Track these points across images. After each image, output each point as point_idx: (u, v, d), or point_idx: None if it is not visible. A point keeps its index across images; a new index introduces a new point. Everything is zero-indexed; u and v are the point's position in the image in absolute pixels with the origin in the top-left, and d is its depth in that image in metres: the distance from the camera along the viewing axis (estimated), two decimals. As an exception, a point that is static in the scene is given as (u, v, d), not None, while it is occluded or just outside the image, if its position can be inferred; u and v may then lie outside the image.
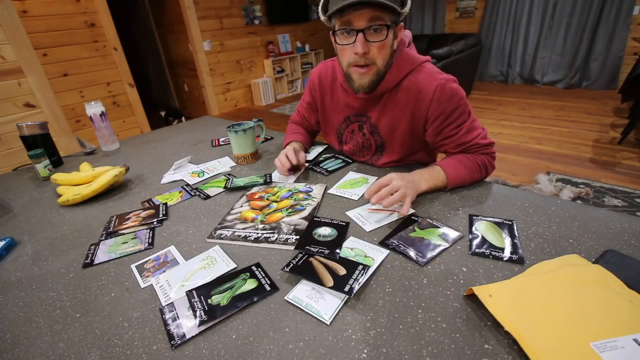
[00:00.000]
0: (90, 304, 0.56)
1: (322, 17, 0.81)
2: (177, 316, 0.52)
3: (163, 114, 4.54)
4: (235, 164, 1.07)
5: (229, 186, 0.91)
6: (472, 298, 0.50)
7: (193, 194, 0.90)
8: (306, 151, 1.09)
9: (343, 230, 0.68)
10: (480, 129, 0.84)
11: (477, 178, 0.83)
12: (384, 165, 0.95)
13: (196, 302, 0.53)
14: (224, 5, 4.47)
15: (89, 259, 0.68)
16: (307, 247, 0.63)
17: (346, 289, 0.52)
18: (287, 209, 0.77)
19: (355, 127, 0.96)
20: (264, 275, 0.58)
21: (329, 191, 0.85)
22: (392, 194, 0.70)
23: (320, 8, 0.80)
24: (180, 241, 0.71)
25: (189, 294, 0.55)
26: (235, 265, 0.62)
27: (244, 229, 0.72)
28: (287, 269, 0.58)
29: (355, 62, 0.78)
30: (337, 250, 0.61)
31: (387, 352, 0.44)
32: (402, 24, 0.80)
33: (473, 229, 0.66)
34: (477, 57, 4.17)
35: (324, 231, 0.68)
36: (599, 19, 3.97)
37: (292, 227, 0.70)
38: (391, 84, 0.84)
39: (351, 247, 0.63)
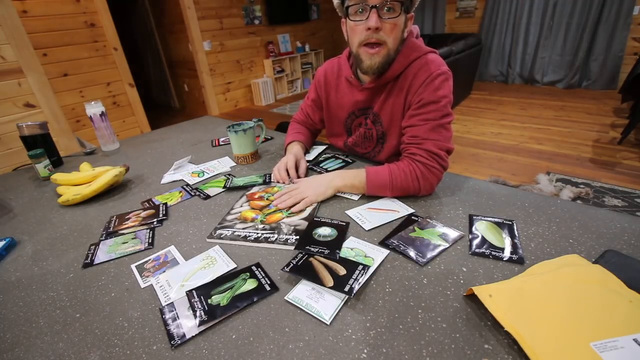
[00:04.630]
0: (90, 304, 0.56)
1: (335, 1, 0.82)
2: (177, 316, 0.52)
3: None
4: (235, 164, 1.07)
5: (228, 186, 0.91)
6: (472, 298, 0.50)
7: (193, 194, 0.90)
8: (307, 151, 1.09)
9: (343, 230, 0.68)
10: (442, 137, 0.79)
11: (406, 186, 0.76)
12: (384, 160, 0.95)
13: (196, 302, 0.53)
14: (224, 5, 4.47)
15: (89, 259, 0.68)
16: (307, 247, 0.63)
17: (346, 289, 0.52)
18: (287, 209, 0.77)
19: (362, 120, 0.97)
20: (264, 275, 0.58)
21: (329, 191, 0.85)
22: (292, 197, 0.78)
23: None
24: (180, 241, 0.71)
25: (189, 294, 0.55)
26: (235, 265, 0.62)
27: (244, 229, 0.72)
28: (287, 269, 0.58)
29: (367, 39, 0.78)
30: (337, 250, 0.61)
31: (387, 352, 0.44)
32: (413, 14, 0.81)
33: (473, 229, 0.66)
34: (477, 57, 4.17)
35: (324, 231, 0.68)
36: (599, 19, 3.97)
37: (292, 227, 0.70)
38: (396, 72, 0.84)
39: (351, 247, 0.63)
